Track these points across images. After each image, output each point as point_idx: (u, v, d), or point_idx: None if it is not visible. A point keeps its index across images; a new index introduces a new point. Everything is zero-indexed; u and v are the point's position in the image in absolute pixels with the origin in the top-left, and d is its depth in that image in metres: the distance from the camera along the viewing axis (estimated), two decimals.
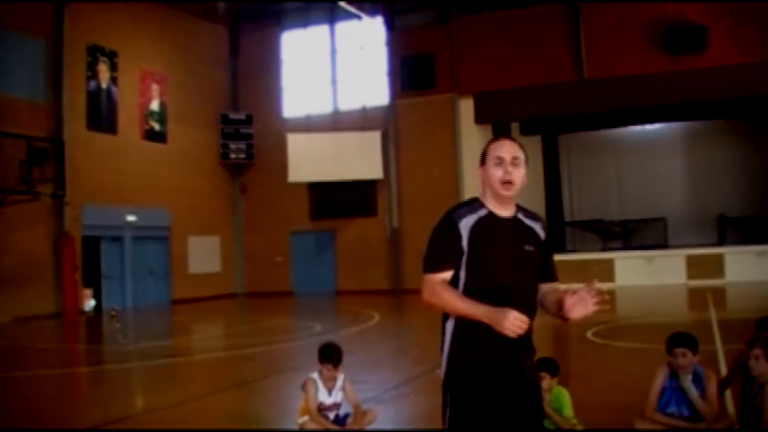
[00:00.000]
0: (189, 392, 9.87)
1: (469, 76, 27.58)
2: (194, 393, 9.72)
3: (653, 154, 30.53)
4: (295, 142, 28.98)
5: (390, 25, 29.15)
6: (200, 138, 29.67)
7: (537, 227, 3.59)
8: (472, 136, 27.99)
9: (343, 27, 30.43)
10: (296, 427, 6.71)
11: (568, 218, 31.26)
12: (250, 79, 31.66)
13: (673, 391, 5.91)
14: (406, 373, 10.28)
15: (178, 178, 28.18)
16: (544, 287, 3.61)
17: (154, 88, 27.61)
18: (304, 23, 30.96)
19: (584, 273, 25.76)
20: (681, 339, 5.91)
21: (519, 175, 3.47)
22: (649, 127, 30.46)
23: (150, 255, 27.23)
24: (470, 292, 3.41)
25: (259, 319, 21.00)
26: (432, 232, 3.58)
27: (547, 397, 6.01)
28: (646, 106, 26.26)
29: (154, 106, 27.59)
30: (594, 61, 25.69)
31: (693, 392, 5.80)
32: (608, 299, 3.31)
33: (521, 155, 3.50)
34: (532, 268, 3.53)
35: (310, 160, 28.45)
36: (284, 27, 31.33)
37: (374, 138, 28.96)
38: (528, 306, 3.43)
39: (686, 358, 5.82)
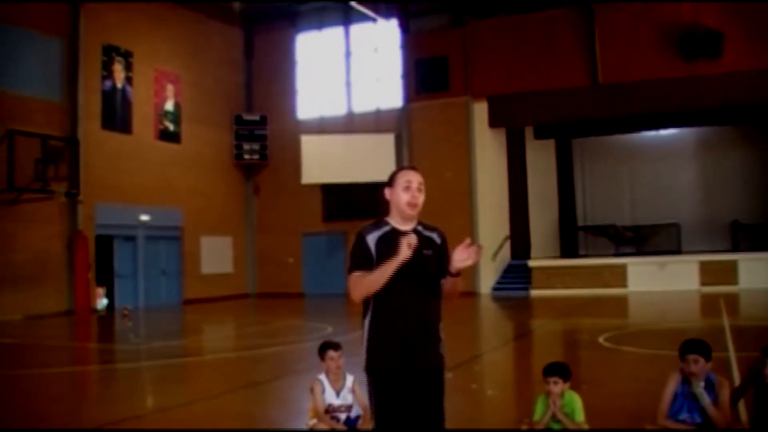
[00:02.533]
0: (199, 392, 9.88)
1: (483, 79, 27.58)
2: (204, 393, 9.72)
3: (667, 160, 30.42)
4: (308, 144, 29.01)
5: (404, 28, 29.16)
6: (214, 138, 29.74)
7: (434, 235, 4.34)
8: (485, 139, 27.98)
9: (357, 29, 30.46)
10: (306, 429, 6.69)
11: (581, 223, 31.18)
12: (264, 80, 31.72)
13: (686, 397, 5.86)
14: None
15: (191, 178, 28.26)
16: (444, 280, 4.25)
17: (169, 89, 27.69)
18: (319, 25, 31.01)
19: (597, 278, 25.81)
20: (694, 345, 5.87)
21: (422, 198, 4.25)
22: (663, 132, 30.36)
23: (163, 255, 27.31)
24: (385, 290, 4.08)
25: (271, 320, 21.01)
26: (351, 249, 4.28)
27: (559, 401, 5.98)
28: (660, 112, 26.21)
29: (169, 106, 27.67)
30: (608, 66, 25.65)
31: (705, 399, 5.75)
32: (482, 247, 4.02)
33: (422, 183, 4.27)
34: (431, 267, 4.21)
35: (323, 162, 28.46)
36: (299, 29, 31.38)
37: (388, 140, 28.96)
38: (431, 295, 4.19)
39: (699, 365, 5.78)
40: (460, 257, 3.98)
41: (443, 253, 4.23)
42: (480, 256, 3.99)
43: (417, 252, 4.02)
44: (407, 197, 4.19)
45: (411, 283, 4.08)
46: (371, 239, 4.21)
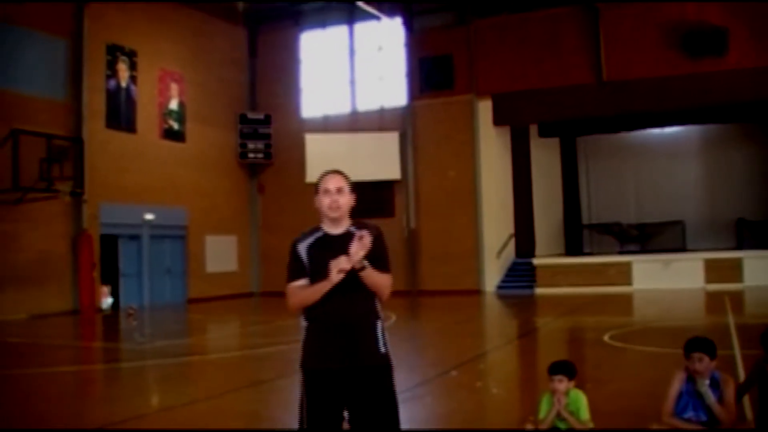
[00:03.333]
0: (203, 391, 9.88)
1: (487, 77, 27.56)
2: (208, 392, 9.72)
3: (672, 157, 30.41)
4: (313, 143, 29.03)
5: (409, 26, 29.14)
6: (218, 137, 29.76)
7: (364, 233, 4.20)
8: (490, 137, 27.96)
9: (361, 28, 30.45)
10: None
11: (585, 221, 31.17)
12: (268, 79, 31.72)
13: (690, 395, 5.85)
14: (421, 375, 10.24)
15: (196, 177, 28.28)
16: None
17: (173, 88, 27.71)
18: (323, 24, 30.99)
19: (602, 276, 25.78)
20: (699, 344, 5.85)
21: (344, 200, 4.34)
22: (667, 130, 30.33)
23: (167, 254, 27.34)
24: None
25: (275, 319, 20.99)
26: (287, 260, 4.39)
27: (564, 400, 5.97)
28: (664, 109, 26.16)
29: (173, 105, 27.69)
30: (613, 63, 25.61)
31: (710, 397, 5.74)
32: (368, 240, 4.02)
33: (345, 185, 4.36)
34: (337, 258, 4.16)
35: (327, 161, 28.17)
36: (303, 27, 31.37)
37: (392, 139, 28.97)
38: (364, 292, 4.22)
39: (703, 363, 5.76)
40: (352, 251, 4.03)
41: (376, 249, 4.20)
42: (367, 243, 4.02)
43: (345, 252, 4.07)
44: (327, 201, 4.30)
45: (342, 285, 4.10)
46: (302, 248, 4.33)
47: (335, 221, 4.35)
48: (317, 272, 4.20)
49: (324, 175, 4.43)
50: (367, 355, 4.23)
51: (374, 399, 4.21)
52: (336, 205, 4.30)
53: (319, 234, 4.37)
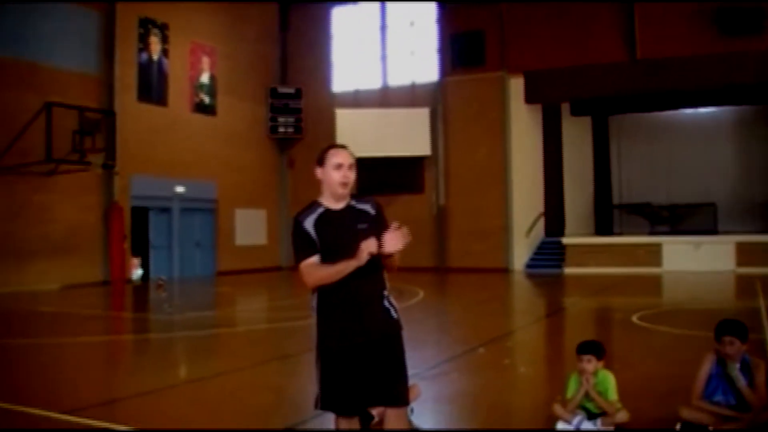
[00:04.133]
0: (231, 364, 9.94)
1: (519, 54, 27.32)
2: (236, 365, 9.78)
3: (704, 138, 30.07)
4: (343, 118, 29.00)
5: (441, 2, 28.94)
6: (249, 111, 29.83)
7: (367, 207, 4.42)
8: (521, 115, 27.79)
9: (393, 3, 30.28)
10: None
11: (616, 201, 30.97)
12: (299, 53, 31.68)
13: (720, 379, 5.80)
14: (449, 352, 10.26)
15: (226, 150, 28.38)
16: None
17: (205, 61, 27.77)
18: None
19: (631, 256, 25.63)
20: (730, 327, 5.79)
21: (353, 177, 4.34)
22: (700, 110, 29.97)
23: (197, 226, 27.52)
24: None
25: (303, 293, 21.03)
26: (291, 237, 4.35)
27: (592, 380, 5.95)
28: (698, 89, 25.83)
29: (204, 78, 27.75)
30: (646, 41, 25.26)
31: (741, 381, 5.69)
32: (407, 232, 4.08)
33: (354, 161, 4.36)
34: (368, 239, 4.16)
35: (358, 136, 28.31)
36: (335, 2, 31.26)
37: (423, 115, 28.87)
38: (374, 266, 4.23)
39: (734, 347, 5.71)
40: (390, 242, 4.06)
41: (380, 223, 4.29)
42: (407, 239, 4.08)
43: (351, 227, 4.23)
44: (339, 177, 4.27)
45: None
46: (308, 224, 4.28)
47: (340, 197, 4.34)
48: (327, 249, 4.24)
49: (331, 148, 4.41)
50: (386, 325, 4.34)
51: (390, 360, 4.34)
52: (347, 181, 4.30)
53: (320, 210, 4.34)
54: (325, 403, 4.38)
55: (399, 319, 4.40)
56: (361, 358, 4.27)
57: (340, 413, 4.43)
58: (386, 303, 4.38)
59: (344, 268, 4.12)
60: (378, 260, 4.24)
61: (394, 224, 4.11)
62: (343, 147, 4.41)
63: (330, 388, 4.33)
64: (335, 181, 4.28)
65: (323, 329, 4.34)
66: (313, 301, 4.39)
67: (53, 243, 21.78)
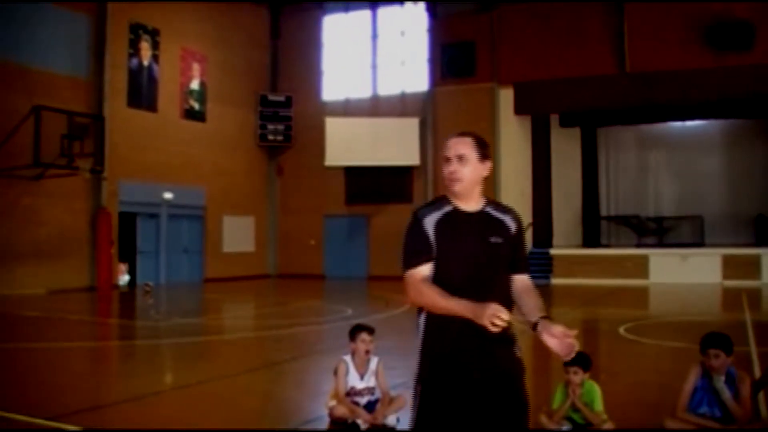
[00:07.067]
0: (218, 370, 9.92)
1: (509, 65, 27.39)
2: (223, 371, 9.76)
3: (692, 151, 30.21)
4: (333, 126, 29.00)
5: (432, 12, 29.01)
6: (239, 118, 29.81)
7: (507, 219, 3.58)
8: (510, 126, 27.85)
9: (384, 12, 30.35)
10: (325, 411, 6.69)
11: (604, 212, 31.04)
12: (290, 61, 31.71)
13: (706, 391, 5.84)
14: None
15: (215, 157, 28.35)
16: (518, 281, 3.60)
17: (195, 68, 27.75)
18: (346, 7, 30.90)
19: (619, 268, 25.69)
20: (715, 340, 5.83)
21: (467, 170, 3.49)
22: (689, 123, 30.12)
23: (185, 232, 27.47)
24: (441, 284, 3.39)
25: (291, 301, 21.07)
26: (405, 235, 3.57)
27: (578, 391, 5.98)
28: (687, 102, 25.96)
29: (194, 85, 27.73)
30: (637, 55, 25.38)
31: (726, 393, 5.73)
32: (576, 343, 3.25)
33: (468, 152, 3.52)
34: (499, 259, 3.51)
35: (347, 144, 28.46)
36: (326, 10, 31.30)
37: (412, 124, 28.90)
38: (499, 296, 3.38)
39: (720, 360, 5.75)
40: (560, 349, 3.26)
41: (517, 244, 3.57)
42: (575, 349, 3.25)
43: (482, 238, 3.46)
44: (445, 173, 3.55)
45: (477, 285, 3.38)
46: (429, 222, 3.49)
47: (458, 196, 3.53)
48: (444, 257, 3.44)
49: (449, 138, 3.63)
50: (503, 361, 3.47)
51: (509, 403, 3.49)
52: (455, 177, 3.51)
53: (448, 208, 3.54)
54: None
55: (522, 359, 3.58)
56: (476, 395, 3.40)
57: None
58: (512, 335, 3.52)
59: (456, 309, 3.24)
60: (506, 280, 3.54)
61: (573, 331, 3.27)
62: (462, 134, 3.60)
63: (428, 428, 3.45)
64: (445, 177, 3.56)
65: (435, 356, 3.48)
66: (422, 318, 3.54)
67: (40, 247, 21.69)
